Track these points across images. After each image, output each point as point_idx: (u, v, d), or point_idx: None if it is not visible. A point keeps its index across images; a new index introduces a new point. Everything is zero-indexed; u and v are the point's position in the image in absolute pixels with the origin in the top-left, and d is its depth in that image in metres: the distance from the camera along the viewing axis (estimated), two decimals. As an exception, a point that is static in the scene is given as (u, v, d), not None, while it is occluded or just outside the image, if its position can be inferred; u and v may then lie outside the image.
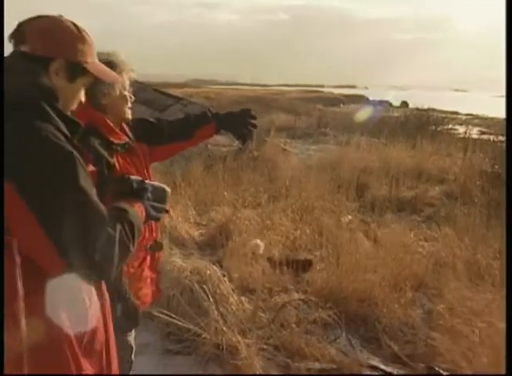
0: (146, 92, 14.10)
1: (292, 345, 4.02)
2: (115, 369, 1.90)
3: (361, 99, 50.21)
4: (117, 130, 2.68)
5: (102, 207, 1.64)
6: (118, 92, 2.69)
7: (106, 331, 1.85)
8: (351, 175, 10.96)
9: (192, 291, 4.33)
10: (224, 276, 4.65)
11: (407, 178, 10.95)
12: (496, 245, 5.82)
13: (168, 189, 2.17)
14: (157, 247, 2.89)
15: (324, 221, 7.15)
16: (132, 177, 2.08)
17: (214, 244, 6.58)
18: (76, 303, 1.70)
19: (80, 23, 1.84)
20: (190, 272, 4.56)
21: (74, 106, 1.87)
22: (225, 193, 8.25)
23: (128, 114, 2.76)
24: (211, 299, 4.24)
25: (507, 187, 2.72)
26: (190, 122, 3.08)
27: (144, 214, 1.96)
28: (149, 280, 2.82)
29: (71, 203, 1.56)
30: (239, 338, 3.87)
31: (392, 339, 4.40)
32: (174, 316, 4.07)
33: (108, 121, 2.65)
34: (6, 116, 1.57)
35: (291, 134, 19.69)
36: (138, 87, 14.51)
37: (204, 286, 4.34)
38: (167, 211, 2.20)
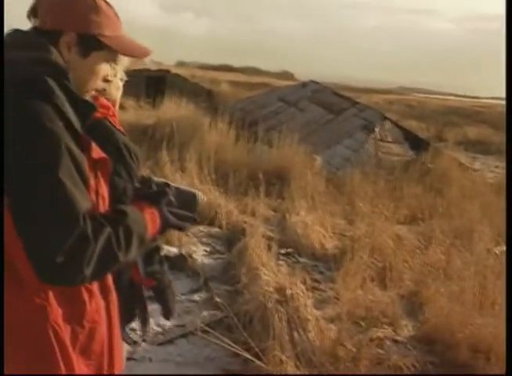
0: (325, 94, 13.76)
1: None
2: (118, 370, 1.75)
3: None
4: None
5: (79, 202, 1.42)
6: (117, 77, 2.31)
7: (110, 332, 1.69)
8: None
9: (267, 309, 3.87)
10: (308, 297, 4.11)
11: None
12: None
13: (200, 195, 1.94)
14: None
15: (473, 248, 6.28)
16: (155, 178, 1.92)
17: (342, 259, 6.03)
18: (72, 300, 1.56)
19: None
20: (273, 288, 4.10)
21: (96, 84, 1.71)
22: (362, 205, 7.57)
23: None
24: (284, 323, 3.75)
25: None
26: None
27: (159, 221, 1.70)
28: None
29: (43, 196, 1.38)
30: (297, 372, 3.36)
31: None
32: (220, 336, 3.65)
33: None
34: (5, 94, 1.43)
35: (484, 149, 18.27)
36: (317, 88, 14.25)
37: (280, 307, 3.86)
38: (194, 220, 1.88)
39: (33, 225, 1.37)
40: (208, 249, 6.35)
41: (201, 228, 7.04)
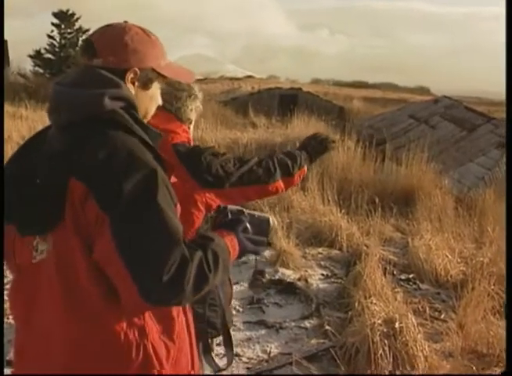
0: (457, 110, 13.20)
1: None
2: None
3: None
4: None
5: (178, 226, 1.54)
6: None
7: (191, 348, 1.79)
8: None
9: (373, 342, 3.68)
10: (419, 331, 3.86)
11: None
12: None
13: (272, 221, 2.01)
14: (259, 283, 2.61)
15: None
16: (230, 207, 1.99)
17: (464, 288, 5.65)
18: (164, 317, 1.66)
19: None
20: (382, 320, 3.89)
21: (153, 112, 1.84)
22: (491, 228, 7.08)
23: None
24: (389, 358, 3.54)
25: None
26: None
27: (238, 248, 1.82)
28: None
29: (148, 222, 1.49)
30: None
31: None
32: (315, 370, 3.50)
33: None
34: (89, 129, 1.57)
35: None
36: (450, 104, 13.71)
37: (386, 340, 3.65)
38: (269, 244, 2.03)
39: (139, 248, 1.46)
40: (325, 273, 6.20)
41: (320, 250, 6.92)
